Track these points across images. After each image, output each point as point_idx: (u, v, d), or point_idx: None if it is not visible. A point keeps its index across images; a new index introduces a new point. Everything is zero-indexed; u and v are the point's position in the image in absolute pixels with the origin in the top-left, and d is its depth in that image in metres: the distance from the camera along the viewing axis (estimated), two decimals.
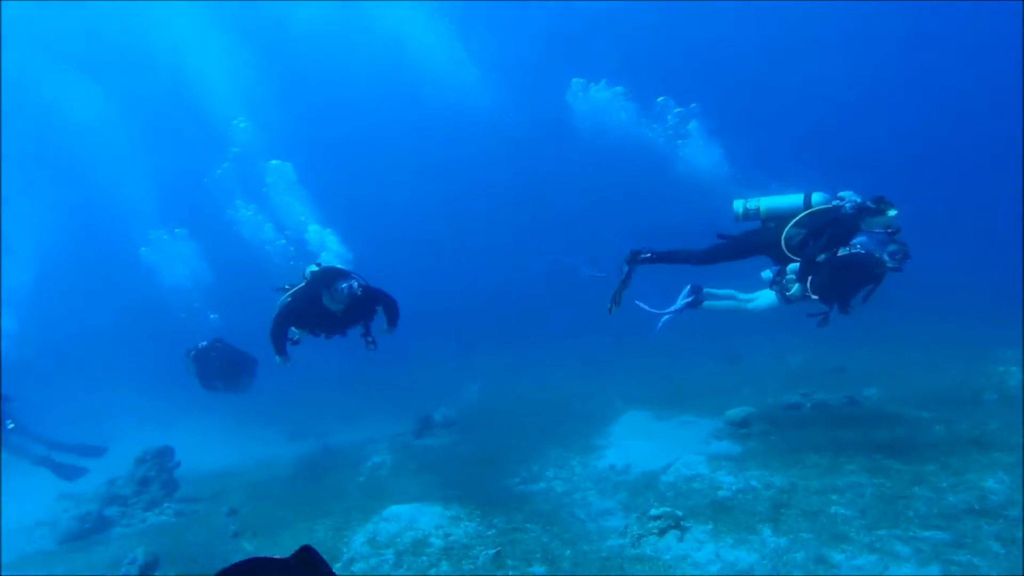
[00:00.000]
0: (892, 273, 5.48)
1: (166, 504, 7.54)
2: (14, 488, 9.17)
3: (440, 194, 26.71)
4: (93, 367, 18.67)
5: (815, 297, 5.52)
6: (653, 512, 4.51)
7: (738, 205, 5.77)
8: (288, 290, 6.31)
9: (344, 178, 21.99)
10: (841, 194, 5.54)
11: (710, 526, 4.36)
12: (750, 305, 6.29)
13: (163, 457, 8.24)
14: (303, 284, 6.00)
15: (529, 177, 26.20)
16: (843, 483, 4.72)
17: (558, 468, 6.81)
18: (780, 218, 5.61)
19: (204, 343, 8.29)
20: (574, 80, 13.28)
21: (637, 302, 6.47)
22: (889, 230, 5.31)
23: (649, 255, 5.92)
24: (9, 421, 8.66)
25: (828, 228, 5.32)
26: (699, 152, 8.27)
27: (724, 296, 6.44)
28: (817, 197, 5.53)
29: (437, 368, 14.78)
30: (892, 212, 5.23)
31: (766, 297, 6.11)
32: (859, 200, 5.35)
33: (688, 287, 6.43)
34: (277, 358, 5.88)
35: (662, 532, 4.33)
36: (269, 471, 8.40)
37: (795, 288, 5.59)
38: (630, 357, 13.60)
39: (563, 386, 11.78)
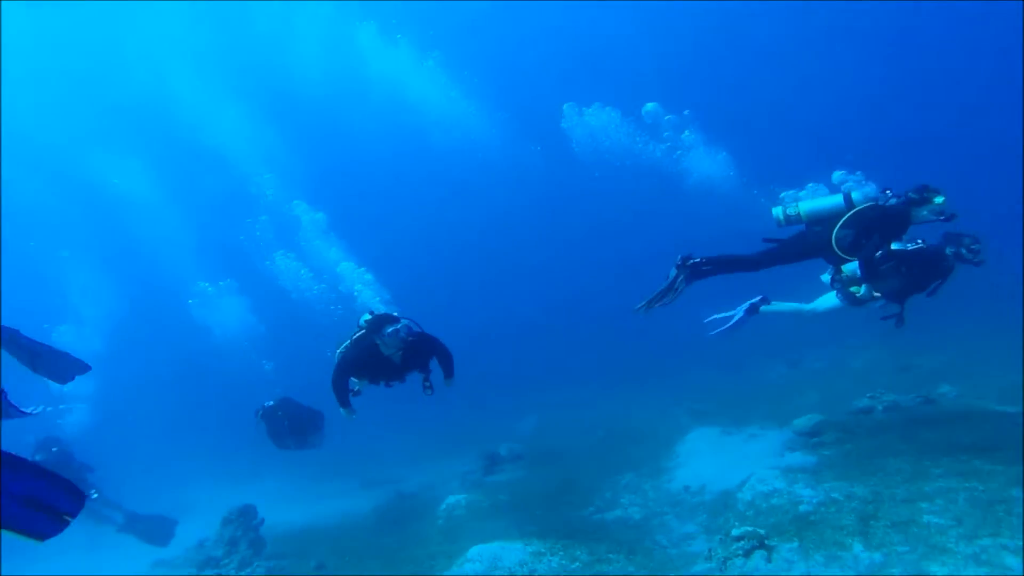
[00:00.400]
0: (970, 267, 5.41)
1: (256, 563, 7.86)
2: (105, 557, 9.74)
3: (465, 228, 27.28)
4: (160, 428, 19.70)
5: (879, 296, 5.48)
6: (735, 532, 4.53)
7: (778, 211, 5.67)
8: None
9: (371, 224, 22.80)
10: (855, 185, 5.54)
11: (796, 543, 4.35)
12: (809, 307, 6.26)
13: (247, 516, 8.61)
14: (358, 334, 6.08)
15: (549, 204, 26.51)
16: (931, 489, 4.63)
17: (632, 494, 6.85)
18: (823, 221, 5.52)
19: (271, 403, 8.60)
20: (566, 106, 13.73)
21: (706, 320, 6.52)
22: (941, 217, 5.23)
23: (700, 260, 5.71)
24: (93, 491, 9.20)
25: (878, 225, 5.29)
26: (704, 161, 8.35)
27: (787, 310, 6.42)
28: (857, 195, 5.45)
29: (493, 402, 14.96)
30: (939, 199, 5.19)
31: (828, 300, 6.08)
32: (902, 192, 5.30)
33: (755, 299, 6.40)
34: (342, 410, 5.95)
35: (748, 553, 4.34)
36: (349, 522, 8.67)
37: (862, 289, 5.54)
38: (688, 370, 13.54)
39: (624, 409, 11.77)
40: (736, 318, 6.33)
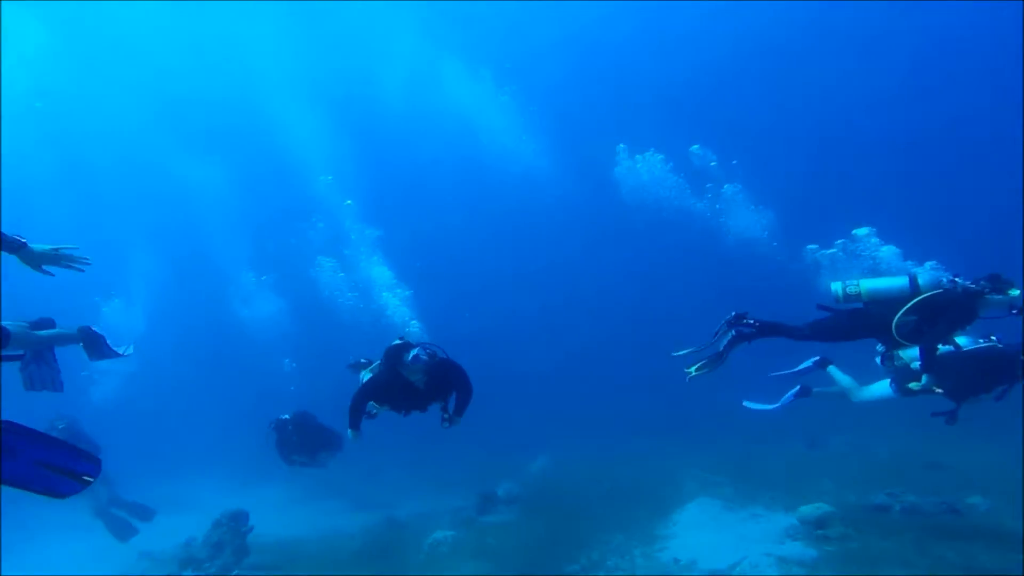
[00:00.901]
0: None
1: (235, 572, 7.88)
2: (97, 544, 9.91)
3: (510, 261, 27.49)
4: (177, 417, 20.17)
5: (939, 391, 5.20)
6: None
7: (837, 287, 5.40)
8: (363, 365, 6.61)
9: (420, 244, 23.22)
10: (926, 269, 5.36)
11: None
12: (859, 393, 6.08)
13: (237, 522, 8.67)
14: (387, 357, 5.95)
15: (594, 245, 26.49)
16: None
17: (619, 557, 6.62)
18: (885, 302, 5.27)
19: (286, 416, 8.48)
20: (619, 147, 13.79)
21: (746, 403, 6.63)
22: (1013, 311, 5.00)
23: (753, 323, 5.54)
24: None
25: (945, 313, 5.04)
26: (744, 218, 8.25)
27: (841, 383, 6.29)
28: (923, 279, 5.20)
29: (508, 438, 14.77)
30: (1015, 292, 4.96)
31: (881, 388, 5.88)
32: (974, 280, 5.10)
33: (816, 359, 6.36)
34: (348, 432, 5.83)
35: None
36: (335, 542, 8.63)
37: (920, 383, 5.21)
38: (707, 430, 13.15)
39: (634, 461, 11.48)
40: (802, 369, 6.36)
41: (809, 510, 6.24)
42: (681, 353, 5.59)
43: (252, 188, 24.25)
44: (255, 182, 24.44)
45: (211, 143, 23.36)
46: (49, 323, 4.10)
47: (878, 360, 5.80)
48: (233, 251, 21.80)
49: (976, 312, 5.06)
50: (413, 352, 5.54)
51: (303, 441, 8.23)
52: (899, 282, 5.28)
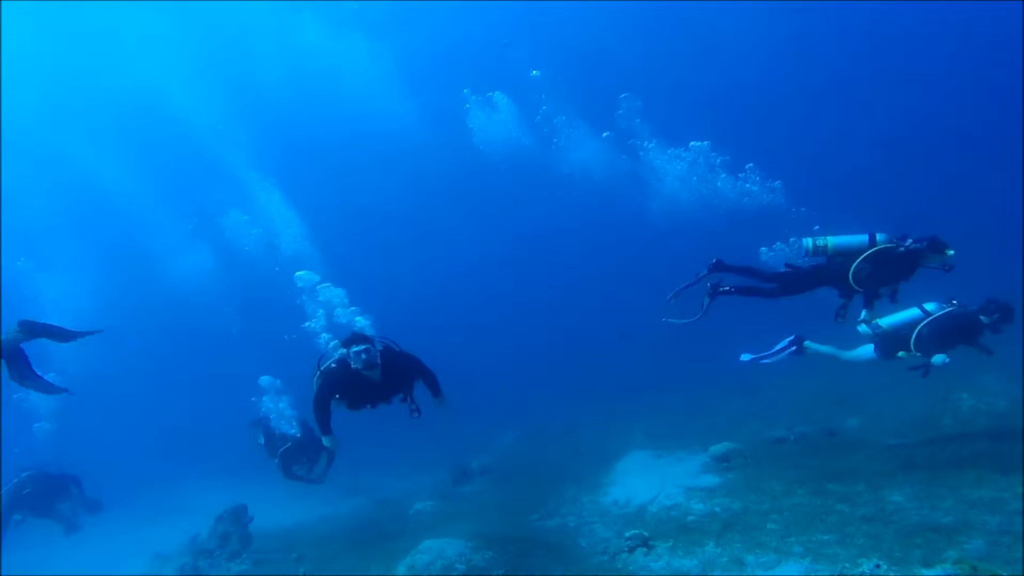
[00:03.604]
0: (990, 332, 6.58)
1: (244, 555, 9.40)
2: (103, 549, 11.31)
3: (461, 234, 28.71)
4: (146, 423, 21.28)
5: (917, 353, 6.59)
6: (627, 534, 6.03)
7: (808, 242, 6.91)
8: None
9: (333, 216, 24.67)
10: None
11: (671, 543, 5.84)
12: (847, 355, 7.37)
13: (239, 514, 10.15)
14: (338, 354, 6.13)
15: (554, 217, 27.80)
16: (786, 504, 6.11)
17: (571, 504, 8.32)
18: (847, 254, 6.79)
19: (291, 430, 9.04)
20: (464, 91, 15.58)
21: (743, 357, 7.65)
22: (946, 267, 6.62)
23: (731, 266, 7.13)
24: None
25: (893, 264, 6.62)
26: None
27: (825, 352, 7.51)
28: (881, 236, 6.70)
29: (479, 413, 16.38)
30: (950, 251, 6.57)
31: (863, 349, 7.22)
32: (919, 240, 6.60)
33: (791, 338, 7.48)
34: (324, 439, 6.03)
35: (632, 550, 5.83)
36: (330, 523, 10.18)
37: (906, 353, 6.67)
38: (664, 390, 15.00)
39: (591, 425, 13.25)
40: (778, 354, 7.51)
41: (717, 448, 8.01)
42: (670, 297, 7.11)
43: (159, 167, 25.58)
44: (160, 163, 25.71)
45: (109, 129, 24.96)
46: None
47: (861, 327, 6.97)
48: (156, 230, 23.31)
49: (917, 265, 6.61)
50: (359, 348, 5.70)
51: (301, 452, 8.96)
52: (860, 238, 6.80)
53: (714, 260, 7.24)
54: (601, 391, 16.84)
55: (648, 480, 8.14)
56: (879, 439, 7.79)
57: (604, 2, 25.74)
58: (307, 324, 8.97)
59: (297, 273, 9.24)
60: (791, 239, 7.29)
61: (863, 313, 6.97)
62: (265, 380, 15.02)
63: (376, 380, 5.92)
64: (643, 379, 16.59)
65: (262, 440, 10.20)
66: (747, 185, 9.11)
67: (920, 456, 6.62)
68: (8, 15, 21.21)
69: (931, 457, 6.51)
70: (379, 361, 5.82)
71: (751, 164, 9.01)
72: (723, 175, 9.43)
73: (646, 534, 5.99)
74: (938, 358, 6.53)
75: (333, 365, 6.10)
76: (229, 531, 9.93)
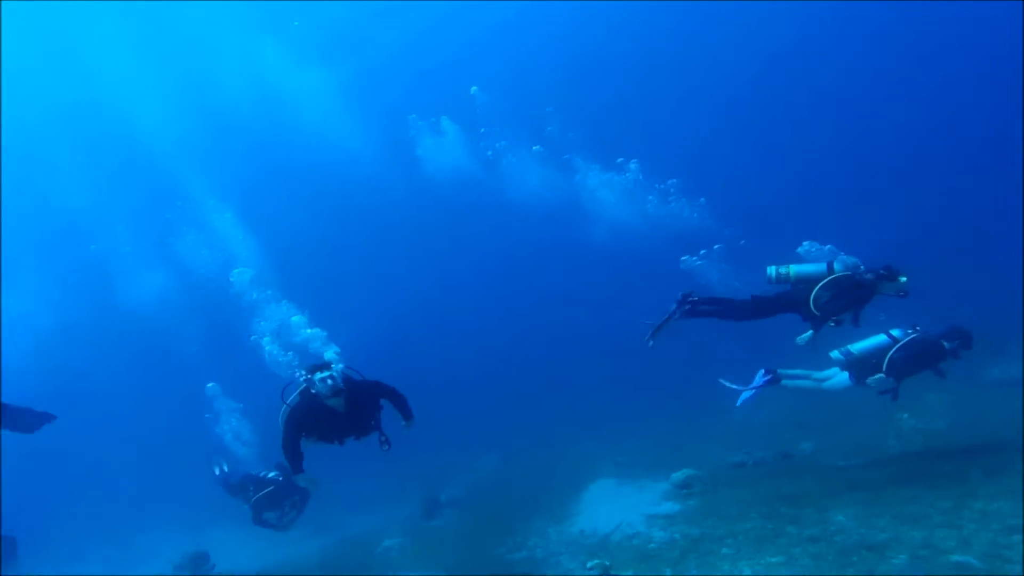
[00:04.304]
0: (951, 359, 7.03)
1: None
2: None
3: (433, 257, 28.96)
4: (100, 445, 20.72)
5: (886, 377, 6.98)
6: (588, 564, 6.30)
7: (771, 270, 7.45)
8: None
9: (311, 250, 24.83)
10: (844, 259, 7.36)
11: (631, 572, 6.12)
12: (825, 385, 7.67)
13: (199, 561, 10.10)
14: (303, 386, 6.15)
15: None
16: (740, 529, 6.45)
17: (539, 536, 8.53)
18: (807, 281, 7.30)
19: (269, 473, 9.01)
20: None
21: (721, 380, 8.01)
22: (900, 293, 7.09)
23: (697, 300, 7.53)
24: None
25: (850, 291, 7.10)
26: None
27: (798, 376, 7.87)
28: (838, 265, 7.20)
29: (451, 440, 16.42)
30: (903, 279, 7.08)
31: (840, 378, 7.52)
32: (873, 268, 7.10)
33: (763, 369, 7.83)
34: (297, 477, 6.01)
35: None
36: (296, 567, 10.17)
37: (877, 377, 7.04)
38: (641, 416, 15.34)
39: (563, 452, 13.48)
40: (754, 389, 7.81)
41: (677, 475, 8.36)
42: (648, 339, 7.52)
43: (117, 187, 25.60)
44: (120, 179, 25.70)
45: (69, 148, 25.15)
46: None
47: (835, 353, 7.33)
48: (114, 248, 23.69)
49: (874, 292, 7.16)
50: (323, 375, 5.79)
51: (278, 499, 8.95)
52: (819, 267, 7.33)
53: (680, 294, 7.67)
54: (573, 412, 17.17)
55: (613, 508, 8.42)
56: (829, 461, 8.24)
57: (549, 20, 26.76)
58: (259, 324, 9.15)
59: (233, 271, 9.29)
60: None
61: (807, 334, 7.41)
62: (211, 387, 15.16)
63: (341, 411, 5.97)
64: (613, 396, 17.01)
65: (218, 471, 10.13)
66: (673, 205, 9.71)
67: (864, 477, 7.06)
68: None
69: (874, 477, 6.95)
70: (343, 386, 5.88)
71: (674, 180, 9.61)
72: (652, 198, 10.05)
73: (607, 563, 6.26)
74: (875, 381, 6.98)
75: (297, 398, 6.14)
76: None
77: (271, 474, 9.12)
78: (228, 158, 25.91)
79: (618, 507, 8.36)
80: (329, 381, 5.75)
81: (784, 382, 7.86)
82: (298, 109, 25.48)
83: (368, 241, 28.57)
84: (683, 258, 10.26)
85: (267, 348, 8.24)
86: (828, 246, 7.74)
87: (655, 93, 27.99)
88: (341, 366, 6.09)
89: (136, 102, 24.24)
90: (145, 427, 21.62)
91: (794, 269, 7.41)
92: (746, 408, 8.14)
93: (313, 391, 5.89)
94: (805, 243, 8.09)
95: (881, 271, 7.13)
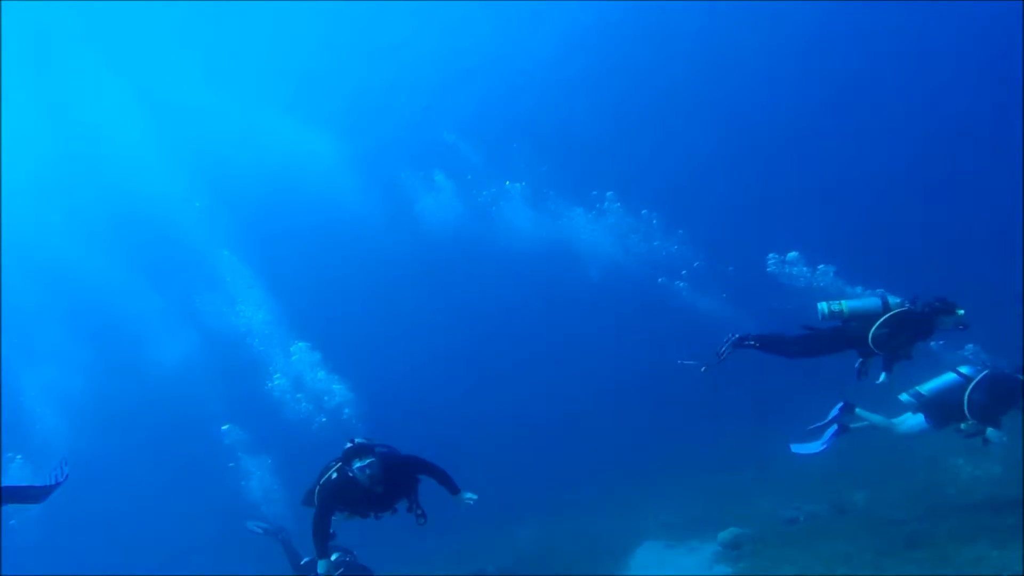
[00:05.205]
0: None
1: None
2: None
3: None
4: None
5: (972, 421, 6.54)
6: None
7: (823, 307, 7.23)
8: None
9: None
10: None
11: None
12: (900, 430, 7.29)
13: None
14: (337, 465, 6.03)
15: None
16: None
17: None
18: (862, 318, 7.10)
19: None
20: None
21: (793, 447, 7.76)
22: (960, 326, 6.99)
23: (753, 342, 7.37)
24: None
25: (910, 327, 6.98)
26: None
27: (873, 421, 7.45)
28: (893, 300, 7.08)
29: (485, 510, 16.20)
30: (960, 311, 6.94)
31: (913, 421, 7.14)
32: (928, 301, 6.97)
33: (842, 403, 7.45)
34: (320, 563, 5.70)
35: None
36: None
37: (968, 424, 6.59)
38: (673, 469, 15.01)
39: (606, 513, 13.22)
40: (827, 438, 7.50)
41: (724, 535, 8.22)
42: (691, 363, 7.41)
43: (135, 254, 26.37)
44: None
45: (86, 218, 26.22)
46: None
47: (904, 396, 7.02)
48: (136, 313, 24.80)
49: (935, 327, 6.97)
50: (361, 463, 5.62)
51: None
52: (874, 302, 7.17)
53: (735, 335, 7.49)
54: (610, 467, 16.81)
55: (663, 573, 8.27)
56: (885, 514, 8.00)
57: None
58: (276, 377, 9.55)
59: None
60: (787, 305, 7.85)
61: (882, 376, 7.26)
62: (227, 428, 15.50)
63: (379, 491, 5.80)
64: (653, 450, 16.65)
65: (261, 531, 10.05)
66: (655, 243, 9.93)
67: (923, 532, 6.84)
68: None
69: (934, 533, 6.73)
70: (382, 474, 5.69)
71: (646, 211, 9.81)
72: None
73: None
74: (993, 434, 6.48)
75: (334, 475, 5.95)
76: None
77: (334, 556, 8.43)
78: (241, 217, 26.71)
79: (668, 572, 8.21)
80: (368, 471, 5.59)
81: (852, 426, 7.51)
82: (304, 170, 26.98)
83: (378, 294, 29.05)
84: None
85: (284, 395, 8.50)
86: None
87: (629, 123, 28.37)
88: (377, 445, 5.93)
89: (152, 170, 25.69)
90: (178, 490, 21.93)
91: (847, 305, 7.21)
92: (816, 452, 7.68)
93: (350, 474, 5.73)
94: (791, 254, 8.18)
95: (936, 304, 6.98)
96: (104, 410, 23.05)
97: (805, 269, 9.14)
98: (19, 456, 14.16)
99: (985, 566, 5.59)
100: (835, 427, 7.47)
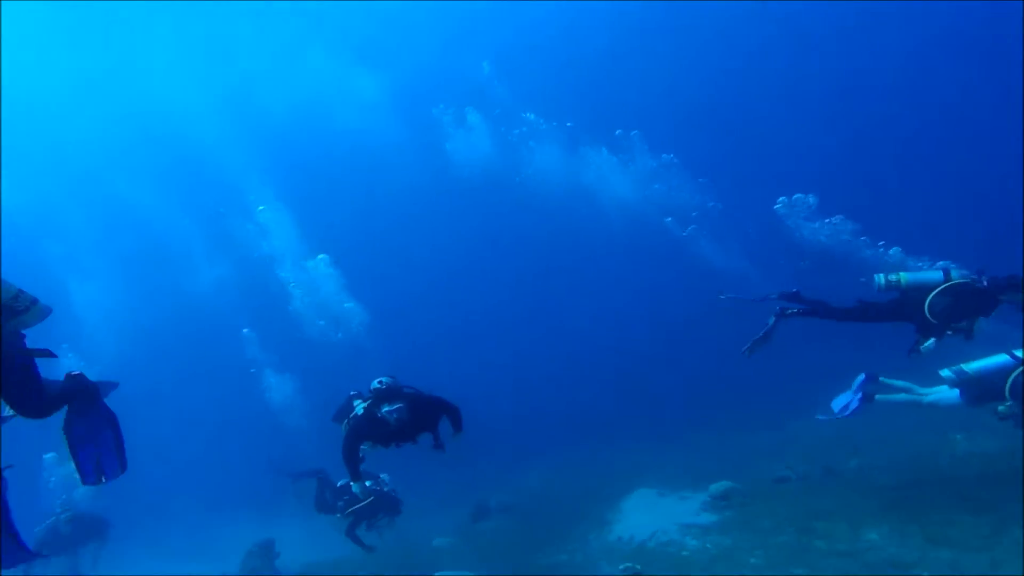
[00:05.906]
0: None
1: None
2: None
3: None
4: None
5: (1011, 403, 6.24)
6: (621, 567, 6.65)
7: (879, 278, 7.04)
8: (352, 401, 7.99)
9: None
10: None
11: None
12: (928, 399, 7.13)
13: (267, 549, 11.00)
14: (368, 402, 6.29)
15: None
16: (772, 542, 6.65)
17: (579, 542, 8.92)
18: (920, 289, 6.91)
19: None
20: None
21: (819, 416, 7.79)
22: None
23: (797, 310, 7.22)
24: None
25: (970, 299, 6.75)
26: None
27: (898, 388, 7.39)
28: (955, 273, 6.86)
29: (504, 451, 16.86)
30: None
31: (947, 394, 6.92)
32: (995, 276, 6.71)
33: (864, 374, 7.36)
34: (353, 485, 6.44)
35: None
36: (354, 558, 10.90)
37: (1006, 405, 6.29)
38: (690, 430, 15.35)
39: (611, 463, 13.70)
40: (852, 407, 7.41)
41: (716, 487, 8.56)
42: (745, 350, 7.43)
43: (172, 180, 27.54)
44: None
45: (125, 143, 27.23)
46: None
47: (946, 372, 6.71)
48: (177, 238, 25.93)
49: (998, 301, 6.68)
50: (388, 408, 5.91)
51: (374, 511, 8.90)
52: (935, 274, 6.99)
53: (793, 290, 7.44)
54: (623, 423, 17.24)
55: (652, 517, 8.70)
56: (875, 479, 8.22)
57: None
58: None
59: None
60: (861, 279, 7.41)
61: (930, 341, 7.01)
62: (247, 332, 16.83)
63: (405, 428, 6.13)
64: (665, 408, 17.03)
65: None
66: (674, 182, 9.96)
67: (906, 497, 7.06)
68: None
69: (915, 498, 6.95)
70: (409, 418, 6.00)
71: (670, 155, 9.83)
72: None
73: (638, 567, 6.60)
74: (1003, 407, 6.29)
75: (360, 412, 6.26)
76: (257, 567, 10.78)
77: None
78: (273, 154, 27.51)
79: (657, 516, 8.63)
80: (396, 415, 5.85)
81: (878, 397, 7.43)
82: (339, 103, 27.64)
83: (406, 237, 29.47)
84: None
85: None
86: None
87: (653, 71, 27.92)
88: (404, 387, 6.14)
89: (190, 101, 26.44)
90: (209, 413, 23.25)
91: (905, 276, 7.04)
92: (839, 417, 7.68)
93: (379, 416, 6.01)
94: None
95: (1002, 281, 6.73)
96: (141, 324, 24.49)
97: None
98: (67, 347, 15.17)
99: (956, 527, 5.82)
100: (860, 395, 7.40)
